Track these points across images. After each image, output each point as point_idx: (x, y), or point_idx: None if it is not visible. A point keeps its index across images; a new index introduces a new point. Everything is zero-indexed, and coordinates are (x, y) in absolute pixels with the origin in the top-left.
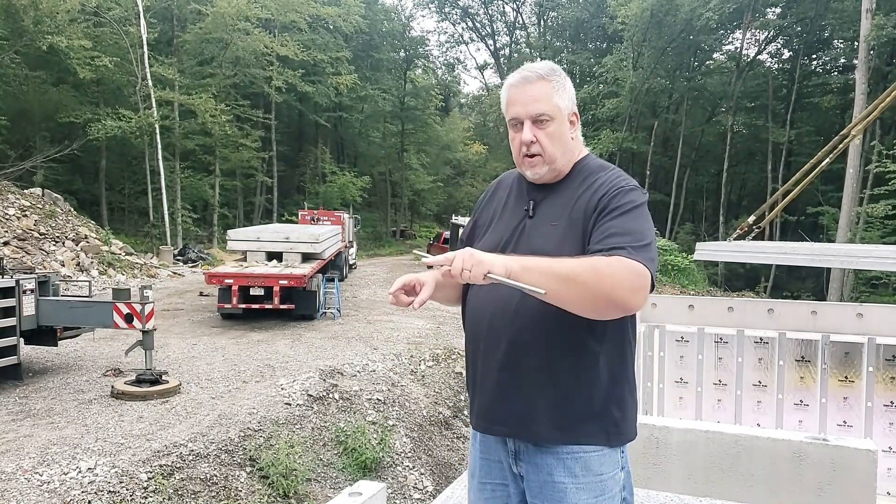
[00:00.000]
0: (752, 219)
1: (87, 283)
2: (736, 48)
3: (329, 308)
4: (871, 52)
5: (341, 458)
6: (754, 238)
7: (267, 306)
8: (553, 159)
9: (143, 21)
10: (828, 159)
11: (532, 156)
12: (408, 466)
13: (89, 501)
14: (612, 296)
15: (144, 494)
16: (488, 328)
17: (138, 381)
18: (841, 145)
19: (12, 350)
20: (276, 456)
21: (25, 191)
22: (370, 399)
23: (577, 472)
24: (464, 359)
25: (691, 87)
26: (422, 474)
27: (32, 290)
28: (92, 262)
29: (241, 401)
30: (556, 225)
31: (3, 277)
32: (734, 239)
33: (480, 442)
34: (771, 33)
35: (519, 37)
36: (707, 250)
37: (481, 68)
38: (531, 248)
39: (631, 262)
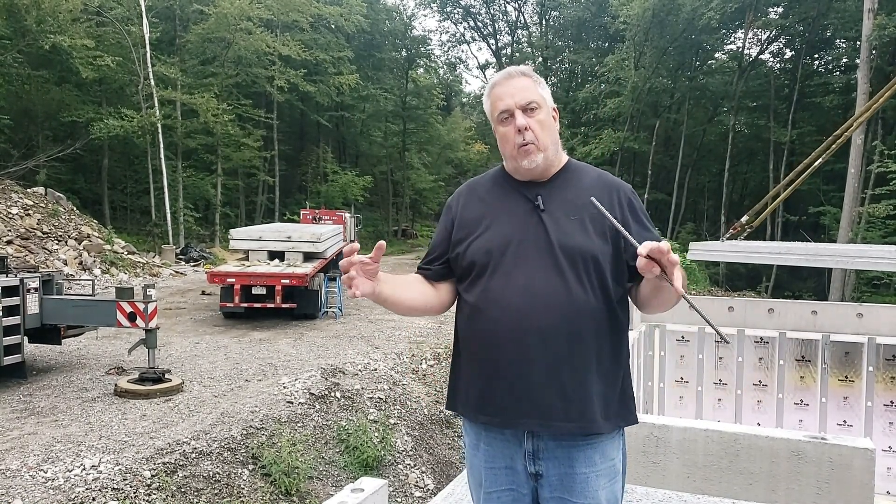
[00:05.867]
0: (744, 219)
1: (90, 282)
2: (738, 48)
3: (331, 307)
4: (873, 52)
5: (343, 457)
6: (747, 237)
7: (269, 305)
8: (546, 146)
9: (145, 20)
10: (819, 161)
11: (526, 144)
12: (409, 465)
13: (93, 498)
14: None
15: (148, 492)
16: (534, 322)
17: (141, 380)
18: (834, 146)
19: (17, 348)
20: (278, 454)
21: (28, 190)
22: (372, 398)
23: (595, 459)
24: None
25: (693, 87)
26: (423, 472)
27: (36, 289)
28: (95, 261)
29: (243, 399)
30: (576, 219)
31: (7, 276)
32: (727, 238)
33: (485, 451)
34: (773, 33)
35: (521, 36)
36: (700, 250)
37: (483, 68)
38: (559, 242)
39: None
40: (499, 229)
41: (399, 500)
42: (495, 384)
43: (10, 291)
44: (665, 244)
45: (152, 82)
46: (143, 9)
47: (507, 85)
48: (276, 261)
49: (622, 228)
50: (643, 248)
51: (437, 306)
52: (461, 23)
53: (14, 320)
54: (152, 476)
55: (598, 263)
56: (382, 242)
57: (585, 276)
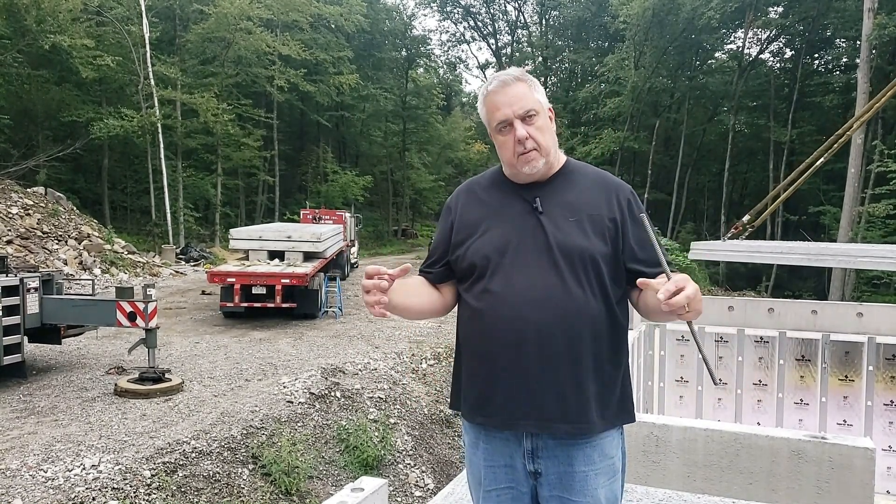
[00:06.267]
0: (746, 218)
1: (91, 282)
2: (738, 47)
3: (331, 307)
4: (873, 52)
5: (343, 456)
6: (748, 237)
7: (269, 305)
8: (548, 150)
9: (145, 20)
10: (822, 160)
11: (527, 152)
12: (409, 464)
13: (93, 498)
14: None
15: (148, 491)
16: (532, 324)
17: (141, 379)
18: (835, 146)
19: (17, 348)
20: (278, 453)
21: (28, 190)
22: (372, 397)
23: (595, 458)
24: None
25: (693, 87)
26: (423, 472)
27: (36, 289)
28: (95, 261)
29: (243, 399)
30: (574, 220)
31: (7, 276)
32: (729, 238)
33: (484, 450)
34: (773, 32)
35: (521, 36)
36: (702, 250)
37: (483, 67)
38: (558, 243)
39: None
40: (498, 231)
41: (399, 499)
42: (494, 385)
43: (10, 291)
44: (687, 294)
45: (152, 82)
46: (143, 8)
47: (503, 93)
48: (276, 260)
49: (662, 256)
50: (661, 294)
51: (441, 308)
52: (461, 22)
53: (14, 320)
54: (152, 476)
55: (596, 264)
56: (408, 265)
57: (584, 277)
